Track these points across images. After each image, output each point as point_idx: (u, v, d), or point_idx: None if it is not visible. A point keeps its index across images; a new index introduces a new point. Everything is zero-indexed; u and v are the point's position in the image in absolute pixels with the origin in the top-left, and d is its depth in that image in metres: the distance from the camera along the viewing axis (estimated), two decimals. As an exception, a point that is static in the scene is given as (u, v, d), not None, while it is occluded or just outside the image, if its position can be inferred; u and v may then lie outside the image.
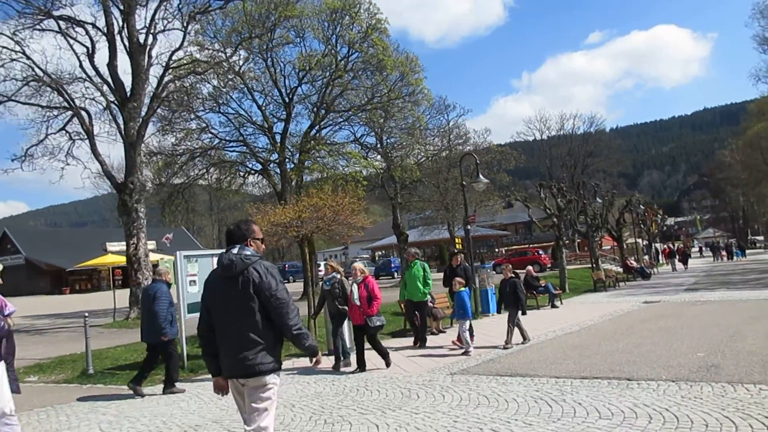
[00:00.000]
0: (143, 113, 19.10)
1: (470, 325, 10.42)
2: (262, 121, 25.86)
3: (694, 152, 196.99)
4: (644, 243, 46.88)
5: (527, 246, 56.06)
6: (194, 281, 10.51)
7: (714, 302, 16.63)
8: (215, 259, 11.30)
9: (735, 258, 48.03)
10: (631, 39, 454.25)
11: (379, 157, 31.25)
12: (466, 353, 10.05)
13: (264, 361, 3.61)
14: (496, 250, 63.01)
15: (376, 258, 65.73)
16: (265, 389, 3.66)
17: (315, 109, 24.87)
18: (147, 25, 19.80)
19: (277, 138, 25.61)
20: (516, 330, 10.83)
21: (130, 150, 18.63)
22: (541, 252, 43.39)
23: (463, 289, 10.57)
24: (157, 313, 8.20)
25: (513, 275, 11.80)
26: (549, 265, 39.76)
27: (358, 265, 9.59)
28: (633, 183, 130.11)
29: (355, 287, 9.18)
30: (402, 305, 12.92)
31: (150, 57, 19.98)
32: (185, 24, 19.42)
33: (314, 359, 3.89)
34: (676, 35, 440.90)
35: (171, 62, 19.49)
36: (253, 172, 26.91)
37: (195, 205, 31.84)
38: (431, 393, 7.23)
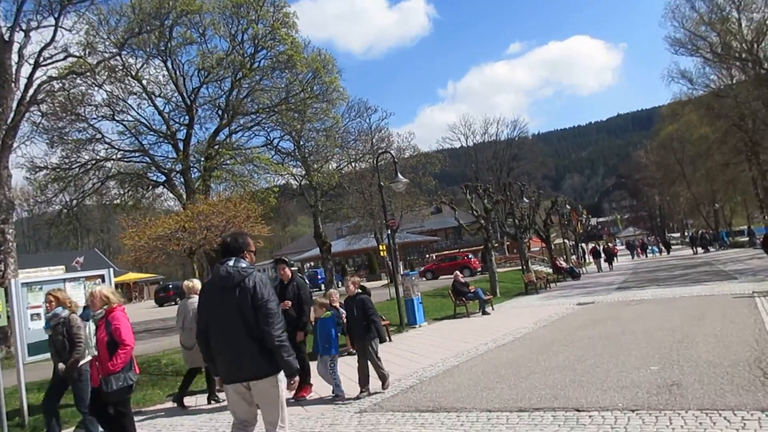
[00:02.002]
0: (10, 120, 16.36)
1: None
2: (164, 127, 23.41)
3: (611, 156, 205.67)
4: (571, 243, 47.11)
5: (457, 251, 55.41)
6: (38, 314, 8.28)
7: (649, 301, 15.77)
8: (68, 284, 9.15)
9: (651, 255, 52.45)
10: (549, 49, 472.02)
11: (298, 163, 29.41)
12: (338, 398, 7.52)
13: (262, 365, 3.85)
14: (427, 256, 62.07)
15: (305, 270, 63.36)
16: (273, 388, 3.91)
17: (220, 112, 22.71)
18: (14, 20, 17.11)
19: (182, 146, 23.23)
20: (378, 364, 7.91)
21: (-6, 162, 15.85)
22: (470, 256, 42.51)
23: (327, 314, 7.93)
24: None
25: (360, 290, 8.12)
26: (479, 269, 38.91)
27: (100, 290, 5.62)
28: (556, 186, 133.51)
29: (90, 327, 6.07)
30: None
31: (21, 57, 17.30)
32: (57, 16, 16.89)
33: (291, 380, 3.94)
34: (590, 45, 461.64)
35: (41, 60, 16.88)
36: (156, 184, 24.34)
37: (89, 223, 28.69)
38: (328, 447, 5.49)
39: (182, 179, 22.43)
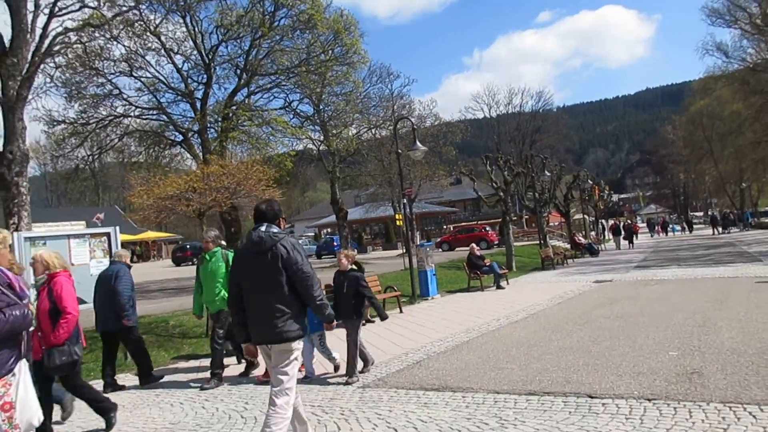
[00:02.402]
0: (25, 71, 16.13)
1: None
2: (182, 86, 23.05)
3: (637, 131, 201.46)
4: (591, 219, 46.36)
5: (475, 223, 54.95)
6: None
7: (669, 281, 15.33)
8: (73, 241, 9.01)
9: (671, 234, 52.01)
10: (580, 19, 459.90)
11: (317, 128, 28.96)
12: (338, 369, 7.24)
13: (291, 329, 3.98)
14: (444, 227, 61.70)
15: (322, 236, 63.40)
16: (290, 353, 4.02)
17: (239, 71, 22.24)
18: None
19: (199, 106, 22.89)
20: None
21: (9, 114, 15.69)
22: (488, 228, 42.09)
23: None
24: (120, 293, 7.24)
25: (355, 267, 7.53)
26: (496, 242, 38.49)
27: (41, 253, 5.29)
28: (579, 160, 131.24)
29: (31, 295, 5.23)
30: (200, 319, 8.71)
31: (37, 6, 16.98)
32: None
33: (330, 325, 4.49)
34: (623, 16, 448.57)
35: (56, 10, 16.53)
36: (174, 143, 24.12)
37: (109, 180, 28.75)
38: (325, 422, 5.27)
39: (199, 139, 22.16)
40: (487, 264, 17.20)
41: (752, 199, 60.94)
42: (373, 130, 31.70)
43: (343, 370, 7.05)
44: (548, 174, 27.63)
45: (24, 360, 3.74)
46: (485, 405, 5.39)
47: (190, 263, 40.29)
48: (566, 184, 37.97)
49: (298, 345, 4.06)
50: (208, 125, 22.29)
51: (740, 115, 41.38)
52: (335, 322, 4.42)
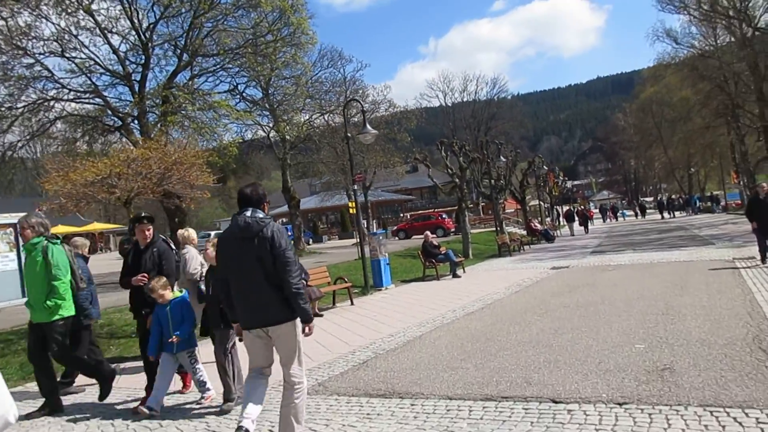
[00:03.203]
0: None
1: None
2: (119, 68, 21.55)
3: (589, 119, 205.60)
4: (546, 205, 46.57)
5: (432, 210, 54.60)
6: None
7: (626, 266, 15.06)
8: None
9: (621, 218, 54.73)
10: (533, 8, 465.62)
11: (267, 113, 27.82)
12: (204, 399, 5.65)
13: (285, 310, 4.02)
14: (401, 215, 61.24)
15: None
16: (291, 333, 4.09)
17: (179, 52, 20.90)
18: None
19: (138, 88, 21.46)
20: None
21: None
22: (444, 216, 41.74)
23: (177, 294, 5.74)
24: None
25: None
26: (453, 230, 38.18)
27: None
28: (534, 147, 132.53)
29: None
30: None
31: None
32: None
33: (307, 327, 4.16)
34: (575, 5, 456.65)
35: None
36: (111, 129, 22.63)
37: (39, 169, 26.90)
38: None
39: (139, 125, 20.80)
40: (443, 252, 16.61)
41: (700, 184, 62.58)
42: (325, 116, 30.78)
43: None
44: (503, 160, 27.23)
45: None
46: (436, 414, 4.70)
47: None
48: (521, 170, 37.86)
49: (297, 322, 4.09)
50: (147, 109, 20.96)
51: (689, 101, 42.09)
52: (312, 323, 4.19)
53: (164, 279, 5.65)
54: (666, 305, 8.65)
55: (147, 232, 5.92)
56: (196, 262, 7.21)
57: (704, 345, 6.06)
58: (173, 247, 6.41)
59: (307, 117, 29.17)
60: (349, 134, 14.35)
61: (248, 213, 4.08)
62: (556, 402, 4.69)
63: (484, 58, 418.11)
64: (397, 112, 36.14)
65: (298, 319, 4.09)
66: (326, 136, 31.31)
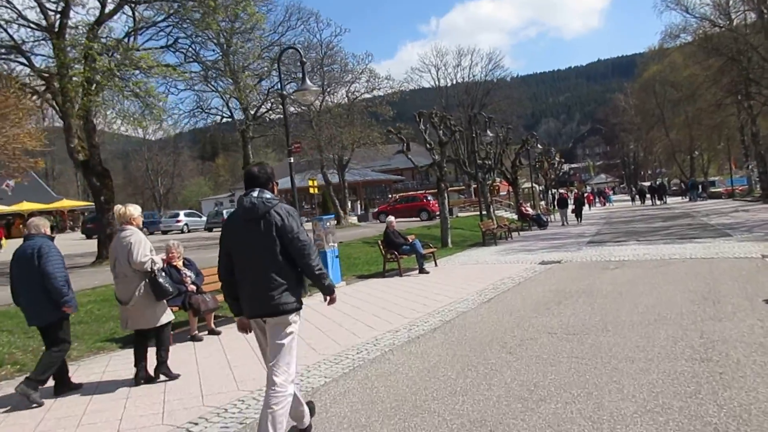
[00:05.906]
0: None
1: None
2: (42, 18, 18.31)
3: (588, 102, 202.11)
4: (541, 188, 43.54)
5: (422, 192, 51.66)
6: None
7: (631, 264, 12.13)
8: None
9: (608, 204, 53.64)
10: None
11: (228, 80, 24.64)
12: None
13: (287, 301, 3.72)
14: (390, 196, 58.23)
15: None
16: (287, 327, 3.76)
17: (103, -1, 17.62)
18: None
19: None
20: None
21: None
22: (430, 198, 38.63)
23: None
24: (51, 275, 5.38)
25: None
26: (438, 213, 35.21)
27: None
28: (532, 129, 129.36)
29: None
30: None
31: None
32: None
33: (330, 297, 4.02)
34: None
35: None
36: (35, 92, 19.48)
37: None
38: None
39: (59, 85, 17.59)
40: (409, 242, 13.65)
41: (702, 168, 59.64)
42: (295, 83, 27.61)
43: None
44: (491, 135, 24.03)
45: None
46: None
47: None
48: (514, 150, 34.73)
49: (296, 318, 3.80)
50: (68, 70, 17.73)
51: (697, 78, 38.88)
52: (334, 294, 3.97)
53: None
54: (703, 339, 5.73)
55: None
56: (145, 246, 5.77)
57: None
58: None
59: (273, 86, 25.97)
60: (283, 93, 11.27)
61: (254, 194, 3.75)
62: None
63: (486, 38, 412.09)
64: (381, 80, 32.97)
65: (296, 317, 3.79)
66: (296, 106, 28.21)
